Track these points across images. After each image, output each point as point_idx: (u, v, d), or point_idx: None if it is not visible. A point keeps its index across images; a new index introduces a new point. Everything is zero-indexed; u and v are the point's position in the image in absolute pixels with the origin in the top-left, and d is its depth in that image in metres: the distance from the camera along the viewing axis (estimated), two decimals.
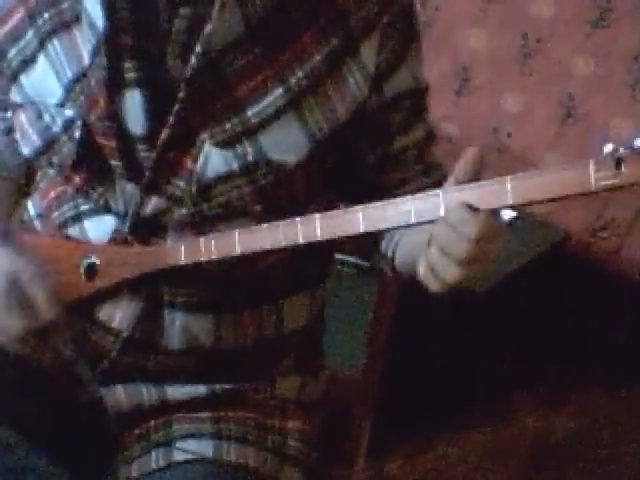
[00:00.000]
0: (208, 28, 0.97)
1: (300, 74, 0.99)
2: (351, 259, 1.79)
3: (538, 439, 2.20)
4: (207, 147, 1.00)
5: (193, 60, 0.97)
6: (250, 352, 1.11)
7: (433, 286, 0.87)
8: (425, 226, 0.87)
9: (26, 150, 1.09)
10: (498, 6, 2.43)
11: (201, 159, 1.00)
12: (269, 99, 0.99)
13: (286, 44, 0.99)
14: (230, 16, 0.97)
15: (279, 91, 0.99)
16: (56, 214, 1.09)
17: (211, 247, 0.99)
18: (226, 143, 1.00)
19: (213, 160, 1.00)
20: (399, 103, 1.04)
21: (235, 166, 1.00)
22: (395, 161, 1.07)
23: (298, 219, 0.94)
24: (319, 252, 1.13)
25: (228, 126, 0.99)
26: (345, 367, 1.47)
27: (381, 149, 1.06)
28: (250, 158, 1.00)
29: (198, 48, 0.97)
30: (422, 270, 0.87)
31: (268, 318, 1.11)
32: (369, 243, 1.13)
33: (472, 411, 2.21)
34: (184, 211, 1.02)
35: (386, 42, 1.01)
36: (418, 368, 2.11)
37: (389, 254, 1.08)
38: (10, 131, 1.13)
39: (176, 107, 0.98)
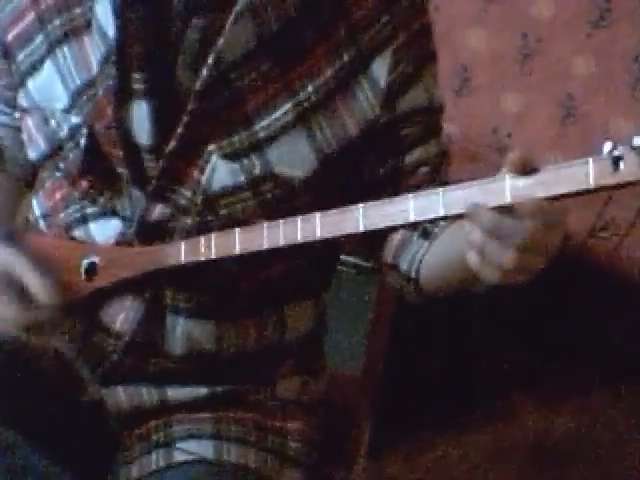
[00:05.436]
0: (221, 40, 0.96)
1: (310, 89, 0.99)
2: (351, 259, 1.78)
3: (538, 439, 2.20)
4: (214, 159, 0.99)
5: (204, 72, 0.97)
6: (252, 357, 1.11)
7: (488, 275, 0.82)
8: (457, 234, 0.86)
9: (33, 154, 1.09)
10: (498, 6, 2.43)
11: (208, 171, 1.00)
12: (278, 113, 0.99)
13: (297, 59, 0.99)
14: (243, 29, 0.97)
15: (288, 106, 0.99)
16: (61, 215, 1.09)
17: (211, 246, 0.99)
18: (233, 156, 0.99)
19: (220, 172, 0.99)
20: (412, 118, 1.03)
21: (241, 179, 1.00)
22: (407, 177, 1.04)
23: (298, 217, 0.93)
24: (322, 261, 1.13)
25: (236, 139, 0.99)
26: (345, 367, 1.47)
27: (392, 163, 1.04)
28: (257, 172, 0.99)
29: (210, 60, 0.97)
30: (474, 258, 0.82)
31: (270, 325, 1.11)
32: (374, 252, 1.09)
33: (472, 411, 2.20)
34: (189, 220, 1.01)
35: (400, 61, 1.00)
36: (418, 368, 2.11)
37: (412, 274, 1.03)
38: (19, 129, 1.11)
39: (185, 118, 0.98)
